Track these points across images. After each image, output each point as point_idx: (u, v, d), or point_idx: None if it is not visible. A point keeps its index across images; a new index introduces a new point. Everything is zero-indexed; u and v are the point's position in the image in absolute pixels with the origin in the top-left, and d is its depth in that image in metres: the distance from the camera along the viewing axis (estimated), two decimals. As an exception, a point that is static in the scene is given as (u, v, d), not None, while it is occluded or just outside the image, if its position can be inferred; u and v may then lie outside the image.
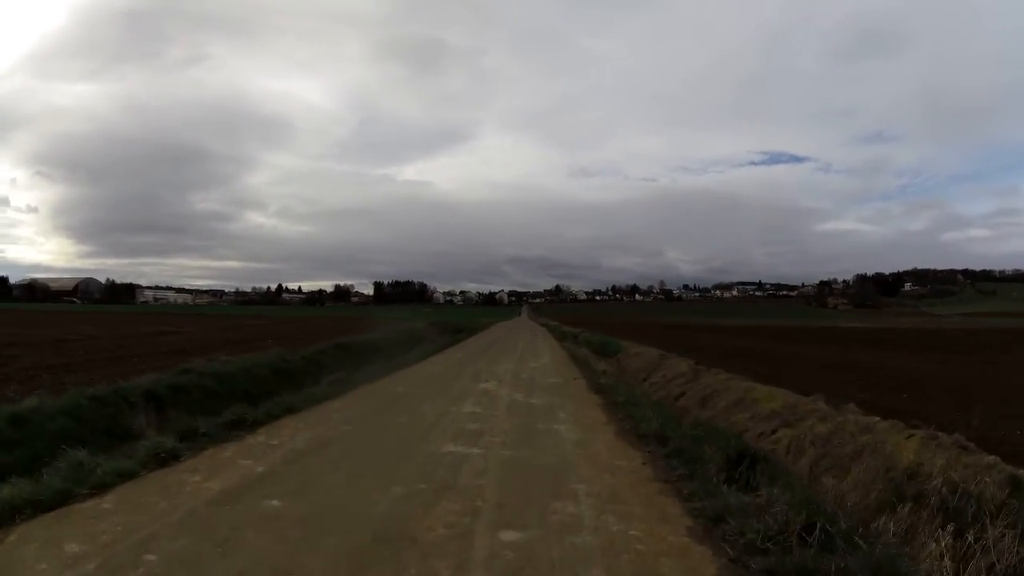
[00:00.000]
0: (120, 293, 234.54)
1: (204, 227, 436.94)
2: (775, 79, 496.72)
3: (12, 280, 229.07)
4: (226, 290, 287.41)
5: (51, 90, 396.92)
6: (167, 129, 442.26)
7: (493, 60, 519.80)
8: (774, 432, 11.05)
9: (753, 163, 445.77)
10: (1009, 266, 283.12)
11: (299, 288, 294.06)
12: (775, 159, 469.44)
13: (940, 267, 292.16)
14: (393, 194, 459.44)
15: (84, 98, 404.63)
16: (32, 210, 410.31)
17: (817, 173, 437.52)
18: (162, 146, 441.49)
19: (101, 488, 6.23)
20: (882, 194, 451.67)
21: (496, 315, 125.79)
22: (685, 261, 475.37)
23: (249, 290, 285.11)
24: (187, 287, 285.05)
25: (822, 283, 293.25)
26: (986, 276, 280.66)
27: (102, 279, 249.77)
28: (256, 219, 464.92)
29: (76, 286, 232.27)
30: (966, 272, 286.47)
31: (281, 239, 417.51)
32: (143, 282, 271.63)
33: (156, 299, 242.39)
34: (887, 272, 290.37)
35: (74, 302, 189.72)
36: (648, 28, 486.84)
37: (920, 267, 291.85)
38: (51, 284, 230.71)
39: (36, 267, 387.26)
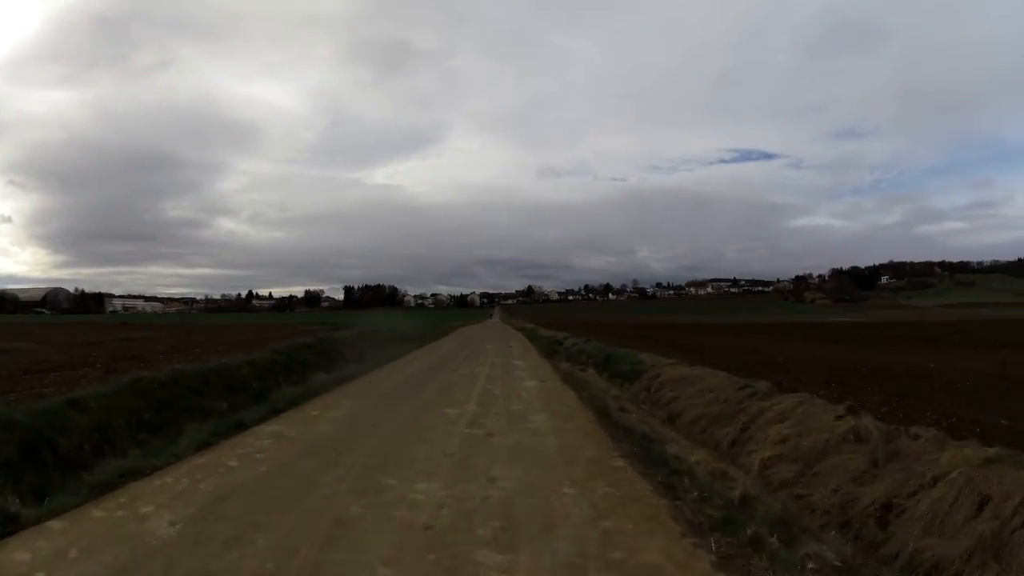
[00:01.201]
0: (89, 303, 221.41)
1: (176, 234, 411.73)
2: (746, 76, 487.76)
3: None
4: (197, 298, 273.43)
5: (24, 97, 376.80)
6: (138, 135, 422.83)
7: (461, 61, 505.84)
8: None
9: (723, 160, 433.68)
10: (986, 257, 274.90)
11: (269, 294, 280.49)
12: (745, 156, 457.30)
13: (916, 259, 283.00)
14: (364, 198, 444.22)
15: (57, 105, 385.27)
16: (6, 220, 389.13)
17: (788, 169, 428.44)
18: (134, 153, 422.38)
19: None
20: (854, 189, 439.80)
21: (466, 317, 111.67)
22: (657, 259, 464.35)
23: (219, 297, 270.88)
24: (160, 295, 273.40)
25: (798, 278, 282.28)
26: (963, 268, 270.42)
27: (77, 289, 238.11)
28: (228, 225, 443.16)
29: (45, 296, 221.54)
30: (943, 264, 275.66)
31: (253, 245, 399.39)
32: (117, 291, 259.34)
33: (126, 308, 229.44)
34: (862, 266, 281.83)
35: (43, 312, 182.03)
36: (618, 26, 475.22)
37: (894, 260, 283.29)
38: (20, 295, 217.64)
39: (11, 278, 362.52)
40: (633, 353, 21.83)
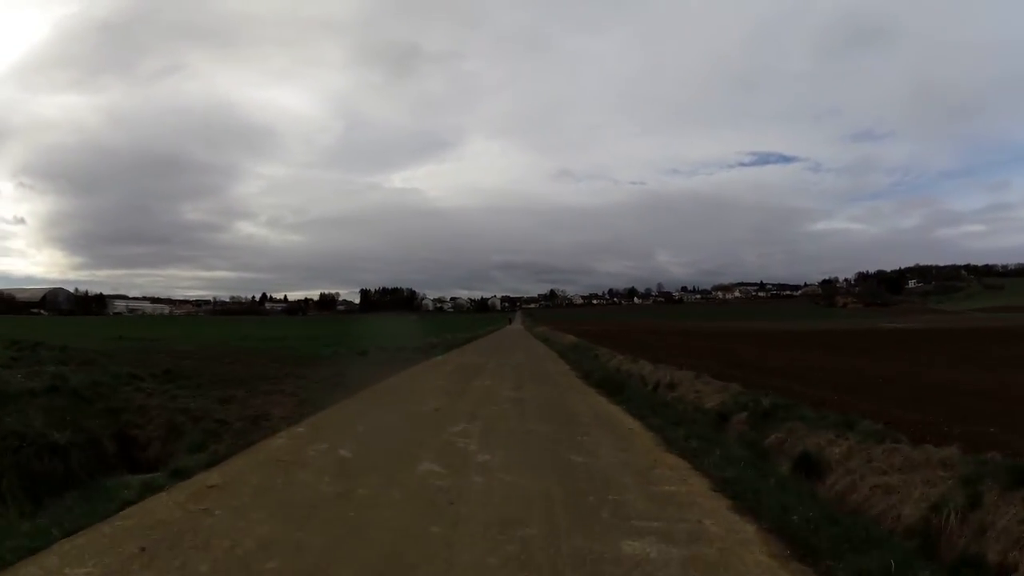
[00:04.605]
0: (90, 304, 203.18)
1: (195, 237, 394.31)
2: (763, 79, 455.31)
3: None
4: (210, 300, 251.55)
5: (35, 101, 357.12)
6: (152, 139, 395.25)
7: (474, 64, 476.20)
8: None
9: (742, 164, 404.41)
10: (1008, 260, 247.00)
11: (285, 297, 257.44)
12: (764, 159, 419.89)
13: (937, 263, 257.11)
14: (382, 202, 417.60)
15: (69, 109, 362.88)
16: (19, 221, 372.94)
17: (806, 173, 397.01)
18: (149, 156, 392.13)
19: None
20: (873, 192, 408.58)
21: (477, 325, 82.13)
22: (676, 264, 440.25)
23: (228, 299, 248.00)
24: (178, 298, 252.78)
25: (825, 282, 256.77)
26: (988, 271, 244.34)
27: (77, 290, 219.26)
28: (246, 229, 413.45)
29: (44, 297, 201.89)
30: (968, 267, 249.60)
31: (272, 249, 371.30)
32: (134, 293, 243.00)
33: (130, 310, 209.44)
34: (886, 269, 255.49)
35: (41, 313, 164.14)
36: (633, 29, 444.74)
37: (919, 263, 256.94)
38: (18, 295, 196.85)
39: (29, 279, 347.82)
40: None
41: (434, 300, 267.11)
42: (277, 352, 19.19)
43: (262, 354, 17.48)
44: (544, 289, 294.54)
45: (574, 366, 22.57)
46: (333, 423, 9.71)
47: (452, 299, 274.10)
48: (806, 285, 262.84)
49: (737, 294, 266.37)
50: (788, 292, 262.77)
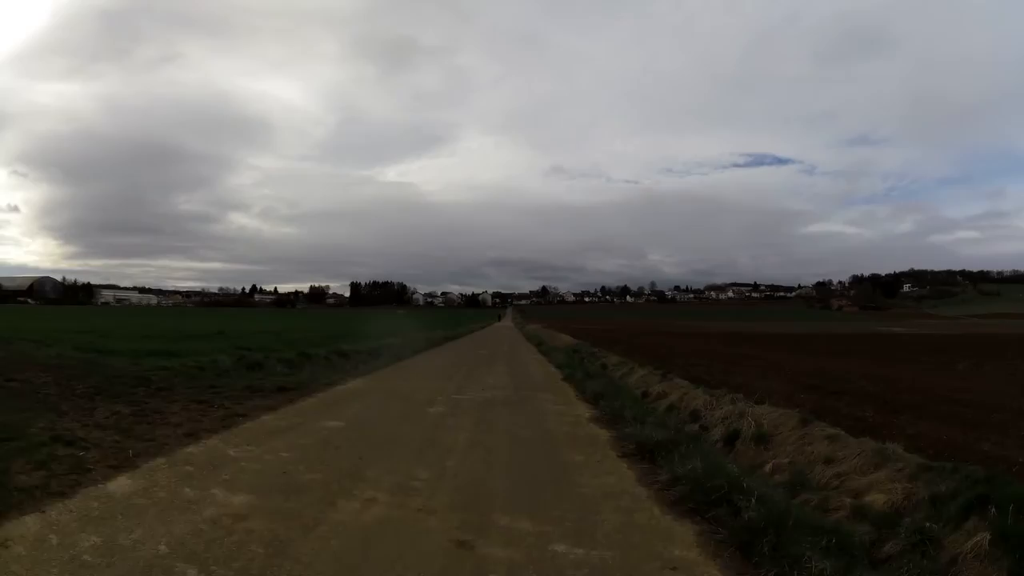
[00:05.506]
0: (77, 293, 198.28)
1: (188, 228, 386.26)
2: (759, 81, 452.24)
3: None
4: (199, 292, 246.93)
5: (33, 89, 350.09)
6: (147, 129, 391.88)
7: (469, 60, 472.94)
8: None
9: (736, 165, 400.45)
10: (1002, 267, 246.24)
11: (275, 289, 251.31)
12: (758, 161, 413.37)
13: (930, 268, 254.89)
14: (375, 196, 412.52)
15: (64, 97, 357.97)
16: (13, 210, 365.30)
17: (801, 175, 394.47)
18: (144, 146, 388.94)
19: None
20: (868, 196, 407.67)
21: (462, 322, 73.66)
22: (668, 263, 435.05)
23: (216, 291, 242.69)
24: (169, 288, 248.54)
25: (819, 284, 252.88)
26: (982, 277, 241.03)
27: (64, 279, 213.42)
28: (239, 220, 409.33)
29: (31, 285, 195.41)
30: (962, 273, 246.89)
31: (264, 241, 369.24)
32: (127, 283, 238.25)
33: (118, 300, 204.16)
34: (880, 273, 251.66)
35: (28, 302, 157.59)
36: (629, 29, 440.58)
37: (914, 268, 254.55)
38: (5, 284, 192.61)
39: (22, 268, 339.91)
40: None
41: (425, 295, 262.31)
42: (124, 365, 12.96)
43: (92, 368, 11.67)
44: (536, 286, 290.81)
45: (595, 407, 11.77)
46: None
47: (443, 294, 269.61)
48: (800, 287, 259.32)
49: (731, 294, 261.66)
50: (782, 293, 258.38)
